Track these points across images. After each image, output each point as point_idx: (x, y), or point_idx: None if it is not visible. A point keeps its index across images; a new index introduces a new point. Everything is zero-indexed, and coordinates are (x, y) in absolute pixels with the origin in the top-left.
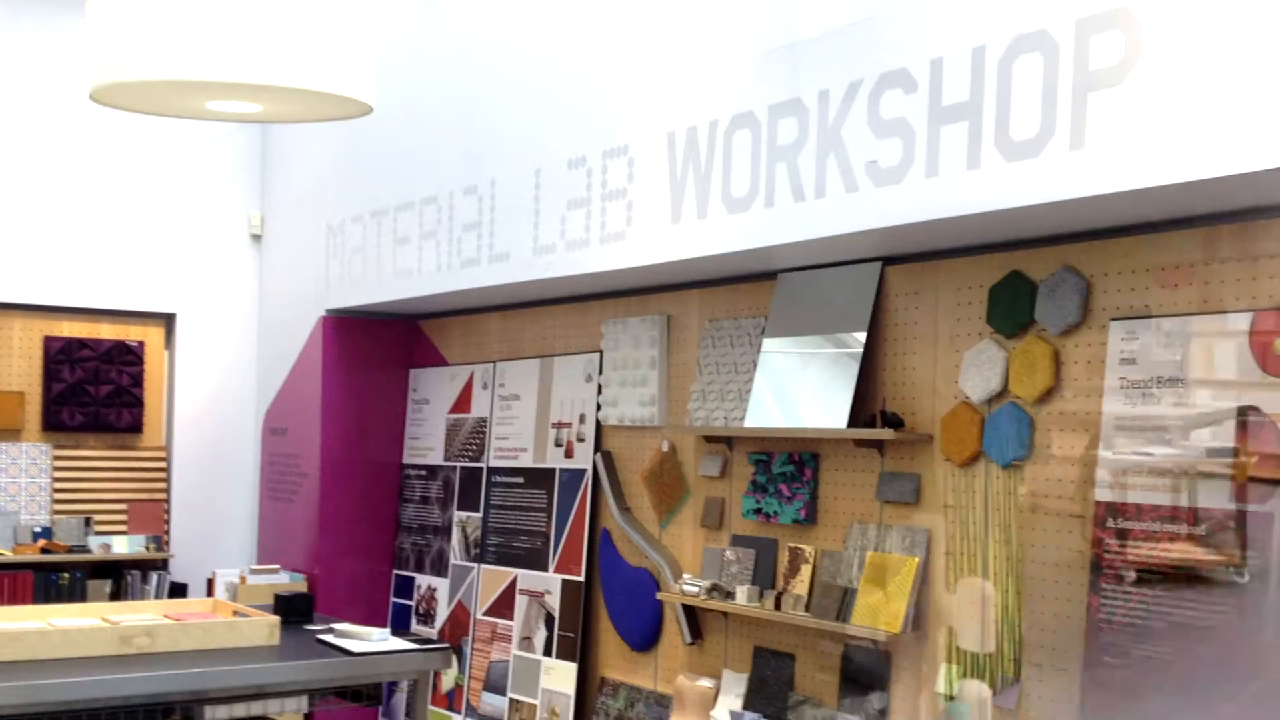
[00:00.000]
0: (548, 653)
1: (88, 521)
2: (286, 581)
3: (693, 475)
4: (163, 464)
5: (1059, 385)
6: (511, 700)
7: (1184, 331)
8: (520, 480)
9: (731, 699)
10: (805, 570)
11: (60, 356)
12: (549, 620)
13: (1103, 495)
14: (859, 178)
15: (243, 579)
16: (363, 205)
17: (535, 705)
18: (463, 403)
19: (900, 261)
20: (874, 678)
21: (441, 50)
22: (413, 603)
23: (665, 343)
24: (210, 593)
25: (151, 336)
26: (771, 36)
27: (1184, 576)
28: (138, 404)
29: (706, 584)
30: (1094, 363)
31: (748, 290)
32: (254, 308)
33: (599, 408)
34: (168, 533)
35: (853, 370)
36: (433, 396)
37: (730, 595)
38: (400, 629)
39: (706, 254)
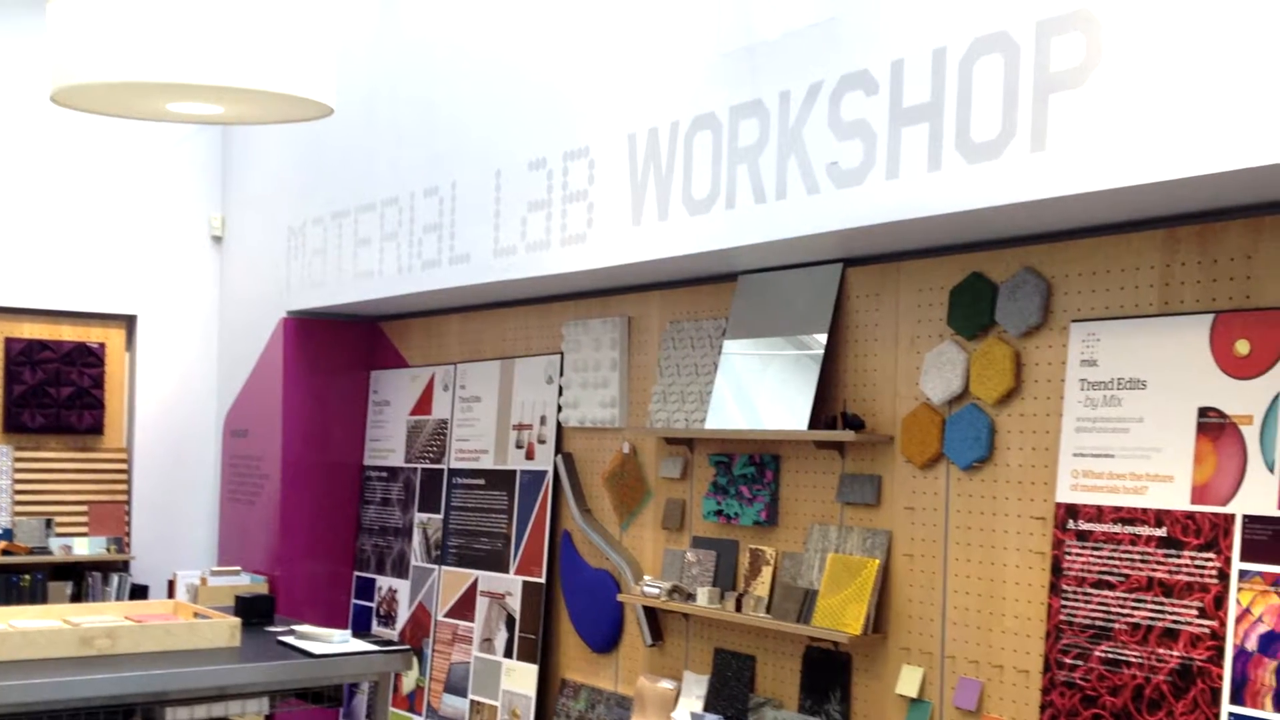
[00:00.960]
0: (508, 654)
1: (49, 523)
2: (247, 583)
3: (653, 477)
4: (124, 466)
5: (1020, 387)
6: (472, 702)
7: (1145, 333)
8: (481, 482)
9: (692, 700)
10: (766, 572)
11: (21, 358)
12: (510, 622)
13: (1063, 497)
14: (820, 179)
15: (204, 580)
16: (323, 207)
17: (496, 707)
18: (424, 404)
19: (861, 263)
20: (835, 679)
21: (401, 52)
22: (374, 604)
23: (626, 344)
24: (171, 594)
25: (112, 338)
26: (732, 38)
27: (1144, 578)
28: (99, 405)
29: (667, 586)
30: (1055, 364)
31: (708, 292)
32: (215, 309)
33: (560, 409)
34: (129, 534)
35: (813, 372)
36: (393, 398)
37: (691, 597)
38: (361, 630)
39: (667, 255)
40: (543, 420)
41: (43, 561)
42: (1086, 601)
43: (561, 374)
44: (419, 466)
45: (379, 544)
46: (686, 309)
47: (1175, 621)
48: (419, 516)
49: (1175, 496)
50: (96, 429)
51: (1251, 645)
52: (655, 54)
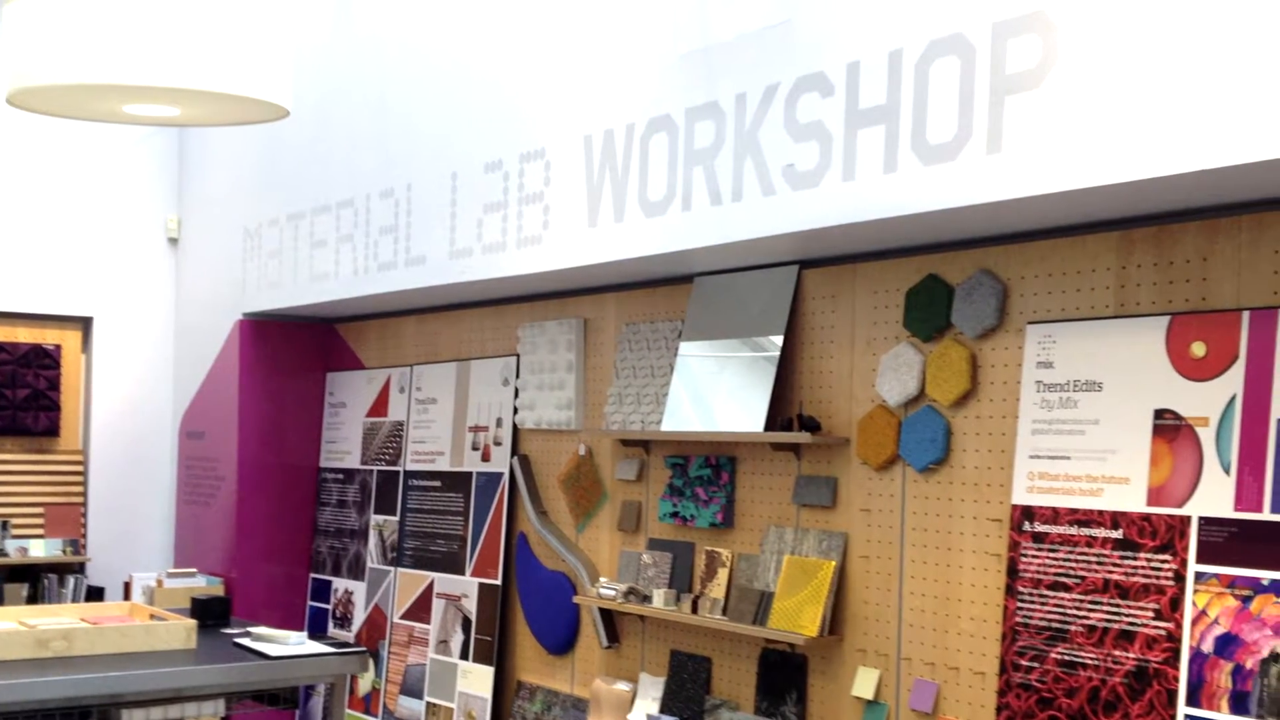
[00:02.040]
0: (464, 656)
1: (4, 525)
2: (203, 585)
3: (610, 479)
4: (80, 467)
5: (976, 389)
6: (428, 704)
7: (1101, 335)
8: (437, 484)
9: (648, 702)
10: (722, 574)
11: None
12: (466, 624)
13: (1019, 499)
14: (776, 181)
15: (160, 582)
16: (279, 209)
17: (452, 709)
18: (379, 406)
19: (817, 265)
20: (791, 681)
21: (357, 53)
22: (330, 606)
23: (582, 346)
24: (127, 596)
25: (68, 340)
26: (688, 40)
27: (1100, 580)
28: (54, 407)
29: (623, 587)
30: (1011, 366)
31: (664, 293)
32: (171, 311)
33: (516, 411)
34: (85, 536)
35: (769, 373)
36: (349, 400)
37: (647, 599)
38: (317, 632)
39: (623, 257)
40: (499, 422)
41: None
42: (1043, 603)
43: (518, 376)
44: (375, 468)
45: (335, 546)
46: (643, 311)
47: (1131, 623)
48: (375, 518)
49: (1131, 498)
50: (52, 431)
51: (1207, 647)
52: (611, 56)
